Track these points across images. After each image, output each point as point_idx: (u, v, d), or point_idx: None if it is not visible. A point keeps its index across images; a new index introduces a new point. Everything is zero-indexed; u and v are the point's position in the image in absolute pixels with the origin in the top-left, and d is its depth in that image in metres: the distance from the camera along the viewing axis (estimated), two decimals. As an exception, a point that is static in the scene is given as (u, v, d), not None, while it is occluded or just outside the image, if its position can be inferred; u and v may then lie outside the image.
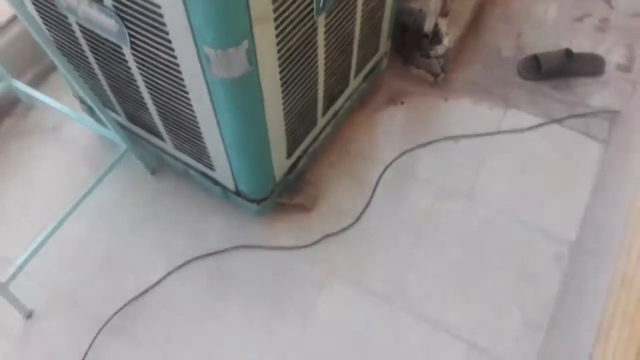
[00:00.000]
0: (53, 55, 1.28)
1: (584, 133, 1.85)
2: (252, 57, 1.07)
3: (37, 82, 1.95)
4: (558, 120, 1.88)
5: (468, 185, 1.75)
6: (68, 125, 1.87)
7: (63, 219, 1.49)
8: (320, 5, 1.21)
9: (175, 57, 1.11)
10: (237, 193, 1.55)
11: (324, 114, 1.60)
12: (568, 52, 1.95)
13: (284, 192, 1.65)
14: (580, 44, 2.05)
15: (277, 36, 1.12)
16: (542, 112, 1.90)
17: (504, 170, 1.78)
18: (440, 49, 1.88)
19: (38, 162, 1.81)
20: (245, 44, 1.03)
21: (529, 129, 1.86)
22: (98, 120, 1.68)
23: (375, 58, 1.78)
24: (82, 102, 1.73)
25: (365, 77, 1.78)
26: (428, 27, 1.83)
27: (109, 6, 1.11)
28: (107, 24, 1.17)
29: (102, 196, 1.69)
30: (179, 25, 1.01)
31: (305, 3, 1.16)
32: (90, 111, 1.72)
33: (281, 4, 1.07)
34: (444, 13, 1.85)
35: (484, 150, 1.82)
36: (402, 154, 1.81)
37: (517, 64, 2.02)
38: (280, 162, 1.51)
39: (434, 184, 1.75)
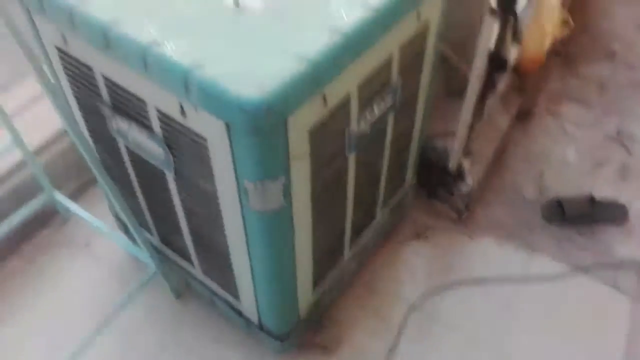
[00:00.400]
0: (98, 174, 1.32)
1: (612, 286, 1.80)
2: (287, 191, 1.11)
3: (76, 195, 1.99)
4: (585, 269, 1.84)
5: (497, 334, 1.68)
6: (100, 241, 1.88)
7: (81, 349, 1.47)
8: (353, 144, 1.27)
9: (215, 187, 1.16)
10: (261, 327, 1.52)
11: (350, 247, 1.61)
12: (591, 200, 1.97)
13: (307, 328, 1.62)
14: (602, 190, 2.06)
15: (311, 172, 1.17)
16: (568, 259, 1.87)
17: (533, 321, 1.72)
18: (464, 187, 1.92)
19: (67, 277, 1.81)
20: (282, 179, 1.08)
21: (556, 277, 1.82)
22: (131, 238, 1.70)
23: (401, 192, 1.82)
24: (118, 219, 1.78)
25: (391, 210, 1.81)
26: (452, 165, 1.88)
27: (159, 134, 1.17)
28: (154, 151, 1.22)
29: (124, 318, 1.66)
30: (222, 158, 1.06)
31: (339, 142, 1.22)
32: (125, 229, 1.76)
33: (317, 144, 1.13)
34: (466, 153, 1.90)
35: (511, 297, 1.77)
36: (428, 294, 1.77)
37: (540, 206, 2.03)
38: (305, 297, 1.49)
39: (460, 331, 1.69)
